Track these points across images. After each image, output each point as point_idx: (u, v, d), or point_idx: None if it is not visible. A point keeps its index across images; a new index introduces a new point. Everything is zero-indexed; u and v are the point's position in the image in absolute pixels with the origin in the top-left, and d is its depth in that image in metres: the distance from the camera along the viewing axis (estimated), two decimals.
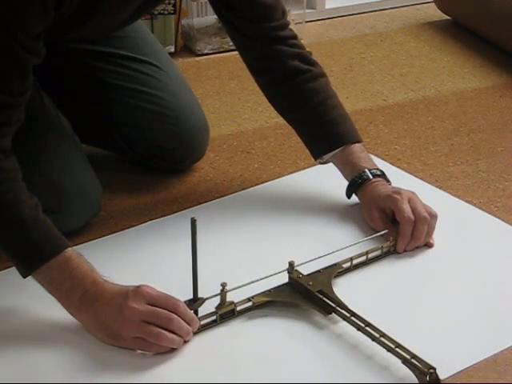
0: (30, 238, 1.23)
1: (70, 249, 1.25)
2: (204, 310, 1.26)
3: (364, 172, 1.49)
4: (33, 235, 1.23)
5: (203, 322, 1.26)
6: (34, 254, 1.23)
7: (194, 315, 1.24)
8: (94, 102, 1.65)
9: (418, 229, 1.42)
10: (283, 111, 1.59)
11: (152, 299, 1.21)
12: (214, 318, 1.27)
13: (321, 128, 1.54)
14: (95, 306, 1.22)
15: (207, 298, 1.26)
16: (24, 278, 1.25)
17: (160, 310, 1.20)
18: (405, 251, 1.43)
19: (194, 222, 1.20)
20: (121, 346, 1.22)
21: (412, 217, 1.41)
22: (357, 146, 1.53)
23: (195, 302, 1.24)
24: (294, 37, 1.56)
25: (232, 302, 1.28)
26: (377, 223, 1.47)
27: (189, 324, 1.22)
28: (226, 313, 1.28)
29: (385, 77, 2.17)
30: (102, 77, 1.64)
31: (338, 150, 1.52)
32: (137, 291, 1.21)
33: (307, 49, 1.59)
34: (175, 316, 1.20)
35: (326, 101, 1.54)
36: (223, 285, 1.26)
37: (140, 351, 1.21)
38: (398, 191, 1.45)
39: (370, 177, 1.49)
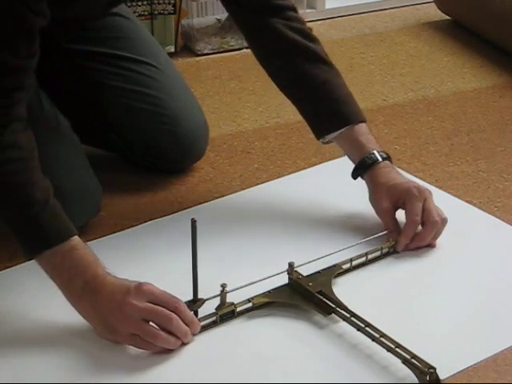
0: (38, 221, 1.22)
1: (76, 237, 1.24)
2: (204, 310, 1.26)
3: (373, 153, 1.47)
4: (40, 219, 1.22)
5: (203, 323, 1.26)
6: (38, 239, 1.23)
7: (194, 317, 1.23)
8: (92, 102, 1.65)
9: (426, 231, 1.41)
10: (286, 88, 1.54)
11: (153, 297, 1.20)
12: (214, 318, 1.27)
13: (326, 106, 1.49)
14: (95, 299, 1.21)
15: (207, 299, 1.25)
16: (26, 259, 1.24)
17: (160, 308, 1.20)
18: (405, 250, 1.43)
19: (194, 223, 1.20)
20: (117, 342, 1.21)
21: (419, 220, 1.40)
22: (363, 126, 1.49)
23: (195, 302, 1.24)
24: (294, 9, 1.52)
25: (232, 303, 1.28)
26: (384, 215, 1.45)
27: (188, 325, 1.22)
28: (226, 314, 1.28)
29: (385, 77, 2.17)
30: (99, 78, 1.64)
31: (343, 129, 1.48)
32: (139, 288, 1.20)
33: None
34: (175, 316, 1.20)
35: (332, 80, 1.50)
36: (223, 286, 1.26)
37: (135, 349, 1.21)
38: (418, 187, 1.42)
39: (380, 159, 1.46)
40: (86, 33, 1.64)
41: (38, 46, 1.26)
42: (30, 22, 1.23)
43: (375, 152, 1.47)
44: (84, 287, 1.21)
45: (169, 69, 1.70)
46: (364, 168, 1.47)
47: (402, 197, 1.42)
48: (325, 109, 1.49)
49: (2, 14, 1.20)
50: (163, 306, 1.20)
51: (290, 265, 1.33)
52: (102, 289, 1.21)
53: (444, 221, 1.42)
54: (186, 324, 1.21)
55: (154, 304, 1.20)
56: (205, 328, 1.26)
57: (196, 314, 1.25)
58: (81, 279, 1.22)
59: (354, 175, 1.49)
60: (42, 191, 1.24)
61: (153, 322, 1.19)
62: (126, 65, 1.65)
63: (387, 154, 1.49)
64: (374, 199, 1.46)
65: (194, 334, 1.24)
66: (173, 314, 1.20)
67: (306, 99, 1.52)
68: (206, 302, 1.25)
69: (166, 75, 1.67)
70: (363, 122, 1.50)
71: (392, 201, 1.43)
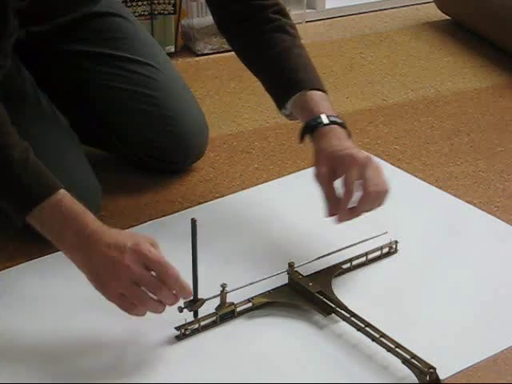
0: (20, 181, 1.21)
1: (62, 190, 1.22)
2: (204, 310, 1.26)
3: (319, 116, 1.37)
4: (23, 178, 1.21)
5: (203, 323, 1.26)
6: (25, 197, 1.21)
7: (186, 284, 1.20)
8: (91, 103, 1.65)
9: (360, 203, 1.32)
10: (249, 64, 1.52)
11: (148, 261, 1.18)
12: (214, 318, 1.27)
13: (281, 74, 1.45)
14: (88, 251, 1.19)
15: (207, 299, 1.25)
16: (20, 226, 1.23)
17: (151, 277, 1.17)
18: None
19: (194, 223, 1.20)
20: (104, 296, 1.20)
21: (352, 190, 1.30)
22: (318, 94, 1.41)
23: (195, 302, 1.24)
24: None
25: (232, 303, 1.28)
26: (320, 181, 1.35)
27: (179, 292, 1.19)
28: (226, 314, 1.28)
29: (385, 77, 2.17)
30: (98, 78, 1.64)
31: (296, 95, 1.42)
32: (135, 249, 1.18)
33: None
34: (164, 287, 1.18)
35: (292, 49, 1.46)
36: (223, 286, 1.26)
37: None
38: (354, 154, 1.32)
39: (326, 121, 1.37)
40: (85, 34, 1.64)
41: (11, 28, 1.24)
42: (3, 1, 1.22)
43: (322, 115, 1.38)
44: (75, 238, 1.20)
45: (168, 69, 1.70)
46: (307, 131, 1.39)
47: (339, 164, 1.34)
48: (281, 77, 1.45)
49: None
50: (156, 272, 1.18)
51: (290, 265, 1.33)
52: (96, 242, 1.19)
53: (381, 193, 1.33)
54: (177, 289, 1.19)
55: (148, 267, 1.18)
56: (205, 328, 1.26)
57: (196, 314, 1.25)
58: (71, 230, 1.20)
59: (300, 138, 1.41)
60: (21, 152, 1.23)
61: (143, 287, 1.18)
62: (125, 65, 1.65)
63: (340, 118, 1.39)
64: (314, 165, 1.37)
65: (193, 333, 1.24)
66: (163, 284, 1.18)
67: (266, 69, 1.49)
68: (206, 302, 1.26)
69: (165, 75, 1.67)
70: (321, 90, 1.42)
71: (329, 167, 1.34)
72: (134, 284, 1.18)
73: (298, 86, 1.42)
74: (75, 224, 1.20)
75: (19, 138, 1.24)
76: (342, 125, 1.38)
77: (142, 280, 1.18)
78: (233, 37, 1.54)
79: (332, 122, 1.37)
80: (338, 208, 1.32)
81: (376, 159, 1.37)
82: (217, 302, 1.27)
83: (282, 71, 1.45)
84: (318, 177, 1.35)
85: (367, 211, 1.33)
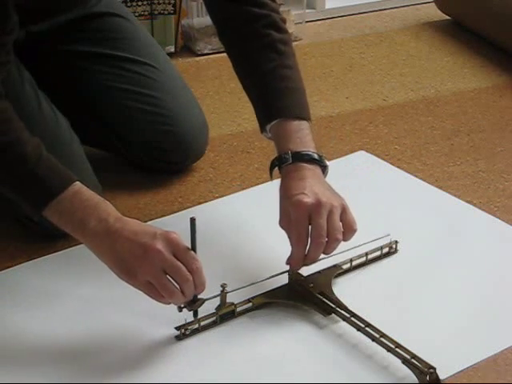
0: (37, 175, 1.22)
1: (77, 182, 1.23)
2: (204, 310, 1.26)
3: (286, 153, 1.32)
4: (39, 172, 1.22)
5: (203, 323, 1.26)
6: (42, 191, 1.22)
7: (204, 281, 1.20)
8: (91, 103, 1.65)
9: (310, 251, 1.27)
10: (239, 78, 1.47)
11: (177, 251, 1.18)
12: (214, 318, 1.27)
13: (262, 98, 1.40)
14: (113, 239, 1.19)
15: (207, 299, 1.25)
16: (37, 217, 1.24)
17: (182, 267, 1.17)
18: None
19: (193, 222, 1.20)
20: (130, 284, 1.20)
21: (303, 241, 1.26)
22: (294, 124, 1.35)
23: (195, 302, 1.24)
24: None
25: (232, 303, 1.28)
26: (283, 228, 1.31)
27: (197, 287, 1.20)
28: (226, 314, 1.28)
29: (385, 77, 2.17)
30: (98, 78, 1.63)
31: (273, 122, 1.37)
32: (167, 236, 1.18)
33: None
34: (191, 278, 1.18)
35: (276, 70, 1.39)
36: (223, 286, 1.26)
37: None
38: (302, 201, 1.26)
39: (290, 160, 1.32)
40: (85, 34, 1.64)
41: (13, 22, 1.24)
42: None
43: (289, 152, 1.32)
44: (98, 226, 1.20)
45: (168, 69, 1.70)
46: (272, 168, 1.36)
47: (292, 211, 1.29)
48: (261, 101, 1.41)
49: None
50: (183, 262, 1.18)
51: (291, 278, 1.33)
52: (122, 229, 1.19)
53: (331, 241, 1.26)
54: (197, 284, 1.20)
55: (177, 257, 1.18)
56: (205, 328, 1.26)
57: (196, 313, 1.25)
58: (93, 218, 1.20)
59: (269, 174, 1.38)
60: (33, 147, 1.24)
61: (170, 275, 1.18)
62: (125, 65, 1.65)
63: (315, 155, 1.33)
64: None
65: (193, 333, 1.25)
66: (189, 275, 1.18)
67: (250, 89, 1.45)
68: (207, 302, 1.25)
69: (165, 75, 1.67)
70: (300, 118, 1.36)
71: (286, 214, 1.30)
72: (162, 272, 1.17)
73: (276, 113, 1.37)
74: (97, 212, 1.21)
75: (29, 133, 1.25)
76: (310, 161, 1.32)
77: (172, 267, 1.17)
78: (226, 50, 1.49)
79: (298, 160, 1.32)
80: (293, 260, 1.28)
81: (338, 201, 1.29)
82: (217, 302, 1.27)
83: (263, 95, 1.41)
84: (279, 224, 1.31)
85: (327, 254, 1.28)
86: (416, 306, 1.32)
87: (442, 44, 2.36)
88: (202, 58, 2.29)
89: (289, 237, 1.29)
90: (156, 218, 1.56)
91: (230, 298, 1.28)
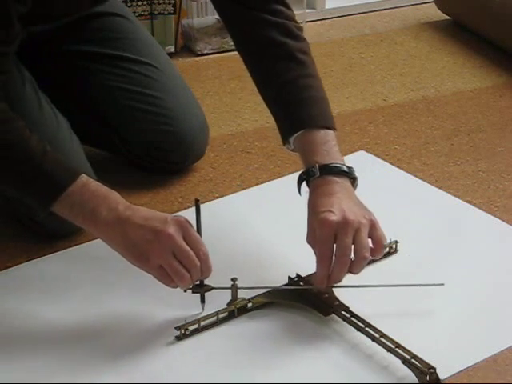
0: (44, 170, 1.23)
1: (84, 174, 1.25)
2: (207, 310, 1.26)
3: (313, 167, 1.29)
4: (46, 167, 1.23)
5: (203, 323, 1.26)
6: (50, 186, 1.23)
7: (210, 266, 1.23)
8: (92, 103, 1.65)
9: (334, 270, 1.23)
10: (258, 88, 1.43)
11: (188, 236, 1.21)
12: (214, 319, 1.27)
13: (285, 109, 1.37)
14: (124, 226, 1.21)
15: (214, 288, 1.26)
16: (45, 212, 1.25)
17: (190, 251, 1.20)
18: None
19: (197, 204, 1.22)
20: (142, 268, 1.22)
21: (327, 260, 1.22)
22: (320, 134, 1.32)
23: (201, 287, 1.25)
24: (282, 2, 1.41)
25: (243, 298, 1.28)
26: (310, 244, 1.27)
27: (203, 272, 1.23)
28: (226, 317, 1.28)
29: (385, 77, 2.17)
30: (99, 78, 1.64)
31: (297, 133, 1.33)
32: (178, 221, 1.21)
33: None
34: (199, 264, 1.21)
35: (298, 80, 1.36)
36: (233, 279, 1.27)
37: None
38: (327, 219, 1.22)
39: (317, 174, 1.28)
40: (85, 34, 1.64)
41: (16, 33, 1.25)
42: (4, 8, 1.22)
43: (316, 166, 1.29)
44: (109, 215, 1.22)
45: (169, 69, 1.70)
46: (300, 183, 1.32)
47: (316, 227, 1.26)
48: (283, 112, 1.38)
49: None
50: (191, 247, 1.20)
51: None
52: (133, 215, 1.21)
53: (358, 261, 1.22)
54: (204, 269, 1.22)
55: (187, 242, 1.20)
56: (205, 328, 1.26)
57: (203, 298, 1.27)
58: (104, 207, 1.22)
59: (298, 189, 1.34)
60: (37, 143, 1.25)
61: (179, 260, 1.20)
62: (125, 65, 1.65)
63: (342, 167, 1.29)
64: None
65: (193, 333, 1.25)
66: (197, 260, 1.21)
67: (271, 100, 1.41)
68: (218, 296, 1.26)
69: (165, 75, 1.67)
70: (326, 128, 1.33)
71: (313, 230, 1.27)
72: (173, 256, 1.19)
73: (300, 124, 1.34)
74: (107, 202, 1.23)
75: (29, 131, 1.26)
76: (339, 173, 1.29)
77: (181, 252, 1.20)
78: (244, 60, 1.46)
79: (326, 173, 1.28)
80: (317, 279, 1.25)
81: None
82: (224, 293, 1.27)
83: (285, 106, 1.37)
84: (306, 240, 1.28)
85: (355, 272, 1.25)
86: (416, 305, 1.32)
87: (442, 44, 2.36)
88: (201, 57, 2.29)
89: (315, 254, 1.26)
90: None
91: (230, 297, 1.28)
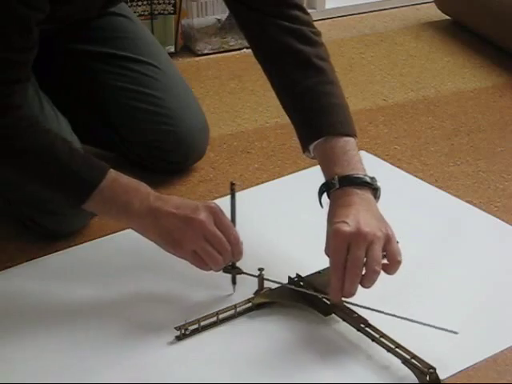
0: (73, 170, 1.26)
1: (111, 169, 1.28)
2: (205, 309, 1.25)
3: (333, 179, 1.27)
4: (74, 167, 1.26)
5: (203, 323, 1.26)
6: (82, 184, 1.26)
7: (242, 250, 1.28)
8: (93, 102, 1.65)
9: (346, 283, 1.20)
10: (277, 97, 1.41)
11: (219, 221, 1.26)
12: (214, 319, 1.27)
13: (304, 117, 1.35)
14: (157, 215, 1.25)
15: (244, 273, 1.31)
16: (77, 209, 1.28)
17: (222, 237, 1.25)
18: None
19: (233, 187, 1.30)
20: (176, 254, 1.26)
21: (339, 272, 1.20)
22: (340, 142, 1.30)
23: (233, 269, 1.30)
24: (299, 7, 1.39)
25: (268, 288, 1.30)
26: (326, 253, 1.26)
27: (234, 255, 1.28)
28: (226, 317, 1.28)
29: (385, 77, 2.17)
30: (101, 77, 1.64)
31: (317, 141, 1.31)
32: (209, 207, 1.26)
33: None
34: (229, 248, 1.26)
35: (316, 87, 1.34)
36: (260, 269, 1.30)
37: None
38: (340, 230, 1.20)
39: (337, 185, 1.26)
40: (87, 32, 1.64)
41: (35, 40, 1.26)
42: (24, 16, 1.22)
43: (335, 177, 1.27)
44: (141, 206, 1.25)
45: (170, 69, 1.70)
46: (320, 194, 1.31)
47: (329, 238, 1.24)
48: (304, 118, 1.35)
49: None
50: (222, 232, 1.26)
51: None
52: (165, 204, 1.25)
53: (371, 272, 1.20)
54: (235, 253, 1.28)
55: (218, 227, 1.25)
56: (205, 328, 1.26)
57: (234, 280, 1.32)
58: (136, 200, 1.26)
59: (319, 201, 1.31)
60: (63, 143, 1.28)
61: (211, 244, 1.25)
62: (127, 65, 1.65)
63: (364, 178, 1.27)
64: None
65: (193, 333, 1.25)
66: (228, 244, 1.26)
67: (290, 107, 1.39)
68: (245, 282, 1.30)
69: (167, 75, 1.67)
70: (346, 135, 1.31)
71: (328, 243, 1.25)
72: (205, 241, 1.24)
73: (320, 131, 1.31)
74: (138, 194, 1.27)
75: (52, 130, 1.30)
76: (359, 184, 1.26)
77: (213, 238, 1.25)
78: (262, 67, 1.43)
79: (346, 184, 1.26)
80: (331, 291, 1.23)
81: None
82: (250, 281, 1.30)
83: (305, 113, 1.35)
84: (325, 252, 1.27)
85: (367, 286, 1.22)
86: (416, 305, 1.32)
87: (442, 44, 2.36)
88: (201, 58, 2.29)
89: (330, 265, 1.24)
90: None
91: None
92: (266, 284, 1.32)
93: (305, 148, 1.35)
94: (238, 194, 1.63)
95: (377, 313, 1.26)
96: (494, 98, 2.04)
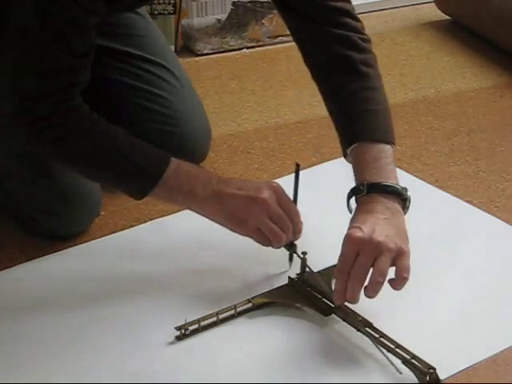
0: (136, 162, 1.28)
1: (172, 157, 1.30)
2: (206, 310, 1.25)
3: (362, 184, 1.27)
4: (137, 159, 1.28)
5: (203, 323, 1.26)
6: (147, 177, 1.29)
7: (302, 228, 1.33)
8: (98, 98, 1.64)
9: (347, 292, 1.20)
10: (324, 101, 1.41)
11: (281, 200, 1.30)
12: (214, 319, 1.27)
13: (343, 122, 1.36)
14: (220, 198, 1.29)
15: (296, 253, 1.34)
16: (141, 199, 1.32)
17: (285, 216, 1.30)
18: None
19: (297, 168, 1.35)
20: (241, 233, 1.31)
21: (344, 277, 1.20)
22: (374, 149, 1.29)
23: (292, 246, 1.34)
24: (347, 12, 1.39)
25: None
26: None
27: (295, 234, 1.32)
28: (227, 317, 1.28)
29: (385, 77, 2.14)
30: (110, 73, 1.62)
31: (353, 146, 1.31)
32: (272, 186, 1.30)
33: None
34: (291, 226, 1.30)
35: (357, 93, 1.34)
36: (304, 253, 1.32)
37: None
38: (352, 236, 1.20)
39: (364, 192, 1.26)
40: (101, 27, 1.64)
41: (93, 43, 1.26)
42: (84, 22, 1.23)
43: (364, 184, 1.27)
44: (205, 191, 1.29)
45: (178, 71, 1.70)
46: (348, 200, 1.31)
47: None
48: (343, 124, 1.36)
49: (54, 14, 1.20)
50: (284, 211, 1.30)
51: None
52: (225, 187, 1.30)
53: (374, 282, 1.20)
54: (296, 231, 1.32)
55: (280, 205, 1.29)
56: (205, 328, 1.26)
57: (291, 257, 1.37)
58: (200, 186, 1.29)
59: (347, 207, 1.32)
60: (124, 136, 1.29)
61: (274, 222, 1.29)
62: (136, 63, 1.64)
63: (395, 187, 1.26)
64: None
65: (193, 333, 1.25)
66: (290, 223, 1.30)
67: (333, 112, 1.39)
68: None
69: (175, 77, 1.67)
70: (382, 141, 1.30)
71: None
72: (268, 218, 1.28)
73: (354, 136, 1.32)
74: (201, 180, 1.30)
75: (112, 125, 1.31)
76: (387, 192, 1.26)
77: (276, 217, 1.29)
78: (311, 74, 1.43)
79: (373, 192, 1.26)
80: (335, 294, 1.23)
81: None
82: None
83: (344, 118, 1.36)
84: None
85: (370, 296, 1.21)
86: (416, 305, 1.32)
87: (442, 44, 2.36)
88: (201, 58, 2.29)
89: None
90: (156, 217, 1.56)
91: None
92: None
93: (344, 153, 1.35)
94: None
95: (374, 316, 1.26)
96: (494, 98, 2.04)
